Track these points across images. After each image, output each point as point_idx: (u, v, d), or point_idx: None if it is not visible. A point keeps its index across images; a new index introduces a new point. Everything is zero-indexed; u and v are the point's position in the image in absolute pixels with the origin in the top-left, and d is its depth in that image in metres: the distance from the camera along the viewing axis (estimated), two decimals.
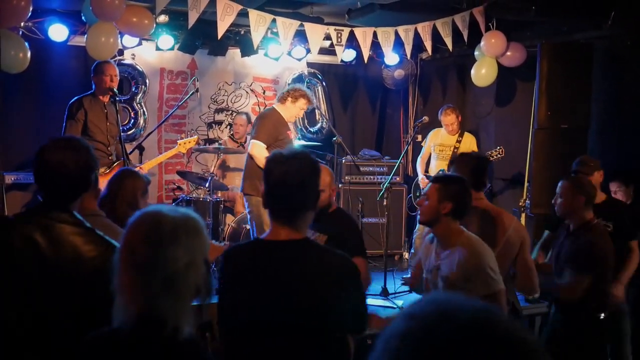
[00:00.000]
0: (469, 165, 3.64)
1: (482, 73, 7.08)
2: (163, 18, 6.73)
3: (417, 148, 7.66)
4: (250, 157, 5.75)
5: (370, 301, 6.17)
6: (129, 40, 6.82)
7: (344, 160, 8.04)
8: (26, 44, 5.87)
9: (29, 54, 5.84)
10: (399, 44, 6.97)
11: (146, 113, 7.74)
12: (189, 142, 6.77)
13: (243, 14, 6.11)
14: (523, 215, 6.39)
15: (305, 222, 2.40)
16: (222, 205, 6.94)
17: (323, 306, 2.27)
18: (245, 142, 7.46)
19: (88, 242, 2.36)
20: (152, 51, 7.53)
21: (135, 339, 1.74)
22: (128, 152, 6.33)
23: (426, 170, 7.20)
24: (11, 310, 2.33)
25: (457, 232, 3.17)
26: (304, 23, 6.53)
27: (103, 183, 5.64)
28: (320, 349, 2.31)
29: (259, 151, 5.64)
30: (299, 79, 8.39)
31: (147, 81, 7.69)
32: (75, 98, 5.82)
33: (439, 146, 7.07)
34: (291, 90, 5.99)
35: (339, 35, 6.76)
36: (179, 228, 1.76)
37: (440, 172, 6.94)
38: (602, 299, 3.89)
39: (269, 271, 2.26)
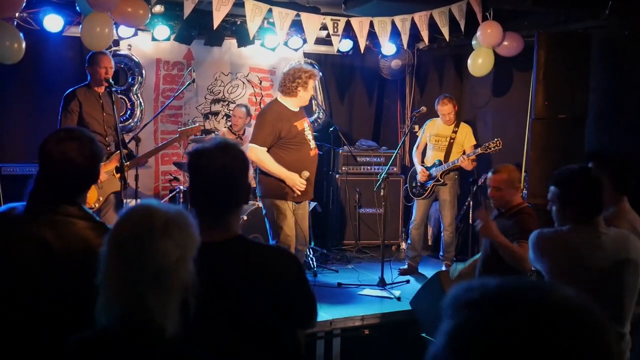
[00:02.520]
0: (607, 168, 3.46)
1: (479, 63, 7.06)
2: (159, 8, 6.69)
3: (415, 138, 7.65)
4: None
5: (367, 291, 6.20)
6: (124, 31, 6.78)
7: (341, 151, 8.04)
8: (21, 34, 5.84)
9: (23, 45, 5.81)
10: (395, 33, 6.95)
11: (142, 104, 7.71)
12: (192, 130, 6.61)
13: (239, 4, 6.08)
14: None
15: (237, 219, 2.28)
16: None
17: (266, 304, 2.18)
18: (243, 134, 7.42)
19: (99, 236, 2.26)
20: (148, 42, 7.49)
21: (122, 340, 1.70)
22: (126, 142, 6.32)
23: (422, 161, 7.19)
24: (18, 309, 2.29)
25: None
26: (300, 13, 6.50)
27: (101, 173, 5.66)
28: (269, 348, 2.23)
29: (258, 155, 5.21)
30: None
31: (144, 72, 7.66)
32: (70, 90, 5.79)
33: (435, 136, 7.06)
34: (296, 76, 5.34)
35: (336, 25, 6.73)
36: (171, 222, 1.73)
37: (437, 162, 6.94)
38: None
39: (208, 275, 1.97)
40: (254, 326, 2.19)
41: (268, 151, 5.31)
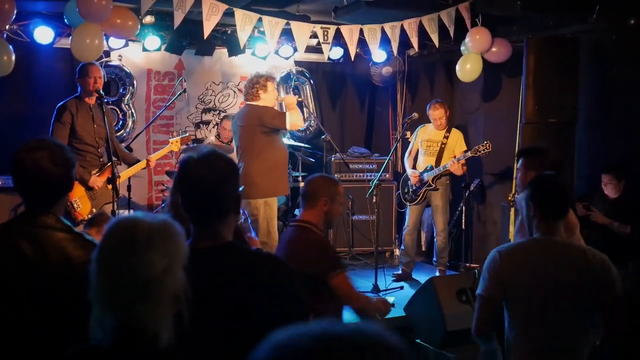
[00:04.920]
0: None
1: (467, 68, 7.09)
2: (149, 19, 6.70)
3: (406, 145, 7.67)
4: (244, 162, 5.60)
5: None
6: (115, 42, 6.79)
7: (333, 158, 8.05)
8: (10, 47, 5.83)
9: (13, 57, 5.80)
10: (385, 40, 6.98)
11: (134, 114, 7.71)
12: (182, 140, 6.62)
13: (229, 14, 6.09)
14: (512, 209, 6.41)
15: (229, 227, 2.28)
16: None
17: (256, 310, 2.17)
18: (230, 142, 7.40)
19: (78, 248, 2.30)
20: (139, 52, 7.50)
21: (117, 352, 1.70)
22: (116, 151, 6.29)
23: (414, 166, 7.21)
24: (1, 323, 2.28)
25: None
26: (290, 21, 6.53)
27: (96, 184, 5.66)
28: None
29: (289, 118, 5.67)
30: (287, 77, 8.39)
31: (135, 82, 7.66)
32: (62, 102, 5.78)
33: (427, 142, 7.08)
34: (255, 83, 5.81)
35: (326, 33, 6.76)
36: (155, 233, 1.73)
37: (428, 167, 6.96)
38: None
39: (195, 282, 1.92)
40: (244, 333, 2.18)
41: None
